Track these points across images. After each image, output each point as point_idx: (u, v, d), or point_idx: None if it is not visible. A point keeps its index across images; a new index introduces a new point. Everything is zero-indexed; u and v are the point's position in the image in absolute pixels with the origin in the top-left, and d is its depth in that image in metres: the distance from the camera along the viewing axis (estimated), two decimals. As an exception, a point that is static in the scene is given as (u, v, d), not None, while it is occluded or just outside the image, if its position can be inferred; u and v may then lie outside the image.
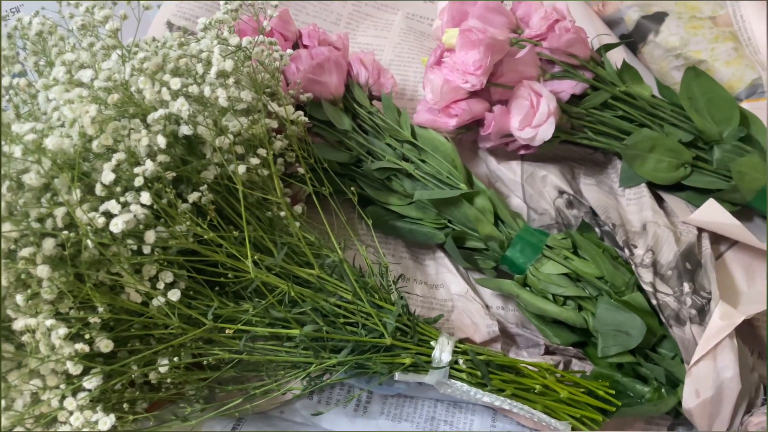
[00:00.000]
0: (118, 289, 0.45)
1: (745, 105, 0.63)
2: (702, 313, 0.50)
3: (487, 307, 0.58)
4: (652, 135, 0.59)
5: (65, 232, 0.40)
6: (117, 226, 0.39)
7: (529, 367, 0.50)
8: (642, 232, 0.56)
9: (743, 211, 0.60)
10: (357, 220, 0.61)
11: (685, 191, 0.61)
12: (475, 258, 0.58)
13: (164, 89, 0.40)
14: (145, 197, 0.40)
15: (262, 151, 0.49)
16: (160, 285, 0.45)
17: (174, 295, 0.45)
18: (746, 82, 0.63)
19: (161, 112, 0.40)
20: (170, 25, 0.71)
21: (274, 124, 0.52)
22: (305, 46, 0.64)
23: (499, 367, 0.49)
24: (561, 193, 0.61)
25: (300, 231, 0.49)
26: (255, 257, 0.47)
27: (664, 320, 0.51)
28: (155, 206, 0.42)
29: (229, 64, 0.42)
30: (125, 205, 0.40)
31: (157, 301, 0.45)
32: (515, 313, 0.58)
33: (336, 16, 0.76)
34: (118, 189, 0.42)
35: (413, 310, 0.51)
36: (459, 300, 0.58)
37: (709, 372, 0.48)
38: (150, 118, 0.40)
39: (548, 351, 0.56)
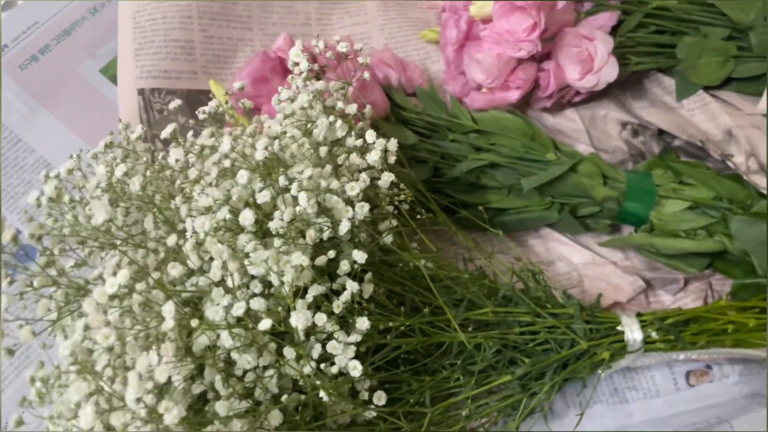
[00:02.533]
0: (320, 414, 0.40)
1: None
2: (829, 198, 0.52)
3: (614, 264, 0.57)
4: (696, 41, 0.59)
5: (285, 396, 0.34)
6: (356, 369, 0.33)
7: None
8: (728, 138, 0.57)
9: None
10: (453, 235, 0.57)
11: (732, 83, 0.62)
12: (587, 222, 0.57)
13: (335, 197, 0.34)
14: (363, 323, 0.34)
15: (389, 208, 0.44)
16: (363, 395, 0.41)
17: (380, 399, 0.41)
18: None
19: (346, 225, 0.34)
20: (142, 92, 0.60)
21: (391, 177, 0.45)
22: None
23: (683, 322, 0.49)
24: (624, 125, 0.60)
25: (462, 274, 0.45)
26: (436, 323, 0.43)
27: (798, 217, 0.52)
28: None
29: (375, 155, 0.35)
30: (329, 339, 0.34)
31: (369, 413, 0.40)
32: (639, 259, 0.58)
33: (304, 16, 0.68)
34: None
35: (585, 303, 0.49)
36: (586, 268, 0.57)
37: None
38: (339, 230, 0.34)
39: (685, 282, 0.56)
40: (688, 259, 0.55)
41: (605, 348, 0.47)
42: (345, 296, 0.34)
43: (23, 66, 0.63)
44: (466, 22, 0.57)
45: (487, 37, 0.55)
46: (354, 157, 0.37)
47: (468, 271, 0.48)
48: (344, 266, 0.34)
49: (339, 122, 0.37)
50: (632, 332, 0.48)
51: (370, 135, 0.36)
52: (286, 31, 0.68)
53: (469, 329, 0.46)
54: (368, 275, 0.41)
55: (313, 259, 0.36)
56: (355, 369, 0.33)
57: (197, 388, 0.32)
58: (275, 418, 0.34)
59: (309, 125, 0.37)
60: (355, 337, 0.34)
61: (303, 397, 0.33)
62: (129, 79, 0.60)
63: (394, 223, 0.43)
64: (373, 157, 0.36)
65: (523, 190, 0.55)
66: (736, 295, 0.54)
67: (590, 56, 0.56)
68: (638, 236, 0.55)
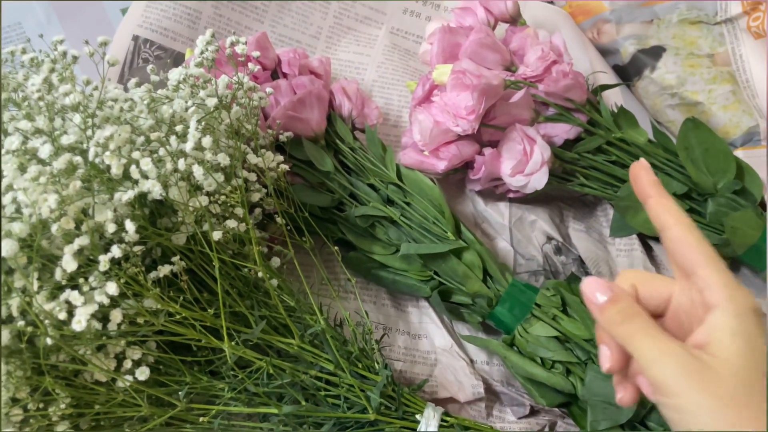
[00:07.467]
0: (80, 364, 0.42)
1: (739, 153, 0.61)
2: (693, 387, 0.49)
3: (472, 361, 0.56)
4: (646, 185, 0.57)
5: (21, 323, 0.36)
6: (80, 323, 0.35)
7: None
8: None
9: (732, 263, 0.59)
10: (338, 266, 0.58)
11: (675, 241, 0.59)
12: (461, 311, 0.56)
13: (133, 167, 0.36)
14: (112, 287, 0.36)
15: (239, 211, 0.46)
16: (127, 363, 0.42)
17: (142, 374, 0.42)
18: (743, 129, 0.61)
19: (130, 194, 0.36)
20: (136, 39, 0.65)
21: (253, 177, 0.48)
22: (284, 75, 0.59)
23: (486, 441, 0.48)
24: (549, 239, 0.59)
25: (277, 297, 0.46)
26: (231, 330, 0.44)
27: (654, 392, 0.49)
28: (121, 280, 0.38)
29: (207, 141, 0.37)
30: (89, 293, 0.36)
31: (123, 382, 0.41)
32: (500, 369, 0.56)
33: (316, 29, 0.71)
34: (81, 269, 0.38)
35: (397, 367, 0.49)
36: (443, 354, 0.56)
37: (698, 448, 0.47)
38: (116, 199, 0.36)
39: (533, 410, 0.54)
40: (541, 389, 0.53)
41: (395, 429, 0.47)
42: (107, 256, 0.36)
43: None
44: (430, 85, 0.58)
45: (436, 103, 0.56)
46: (173, 141, 0.39)
47: (299, 300, 0.48)
48: (110, 228, 0.36)
49: (192, 110, 0.40)
50: (427, 425, 0.47)
51: (193, 132, 0.37)
52: (295, 36, 0.71)
53: (271, 353, 0.46)
54: (177, 257, 0.43)
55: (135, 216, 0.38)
56: (79, 323, 0.35)
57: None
58: (3, 338, 0.36)
59: (167, 101, 0.40)
60: (101, 298, 0.36)
61: (30, 329, 0.35)
62: (131, 23, 0.66)
63: (233, 224, 0.45)
64: (191, 140, 0.37)
65: (408, 255, 0.55)
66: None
67: (526, 158, 0.55)
68: (495, 344, 0.53)
